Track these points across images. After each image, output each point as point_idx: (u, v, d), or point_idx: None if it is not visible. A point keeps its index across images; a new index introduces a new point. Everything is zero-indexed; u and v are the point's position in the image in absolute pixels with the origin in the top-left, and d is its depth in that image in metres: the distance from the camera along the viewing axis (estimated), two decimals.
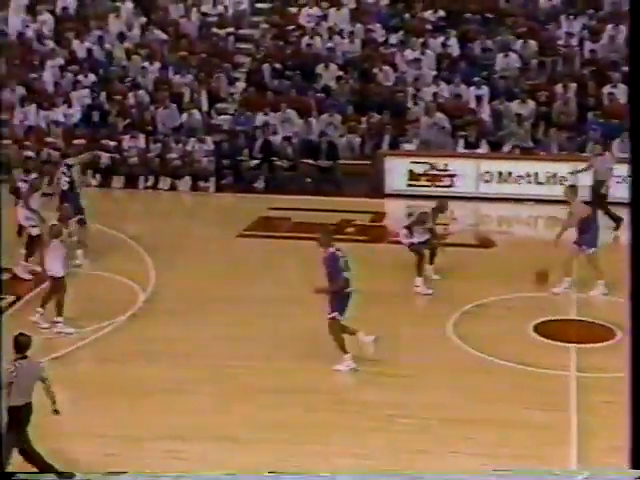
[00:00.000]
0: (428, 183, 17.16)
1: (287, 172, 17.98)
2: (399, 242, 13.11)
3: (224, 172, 17.99)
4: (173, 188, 17.76)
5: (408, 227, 12.89)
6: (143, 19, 20.63)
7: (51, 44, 20.07)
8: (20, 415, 8.39)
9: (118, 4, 20.77)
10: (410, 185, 17.24)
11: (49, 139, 18.05)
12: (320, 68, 19.35)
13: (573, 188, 12.89)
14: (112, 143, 18.18)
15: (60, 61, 19.66)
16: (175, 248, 14.42)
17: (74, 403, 9.59)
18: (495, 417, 9.54)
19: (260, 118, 18.50)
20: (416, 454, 8.89)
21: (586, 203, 13.17)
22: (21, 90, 18.95)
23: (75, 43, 20.08)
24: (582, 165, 15.67)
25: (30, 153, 17.18)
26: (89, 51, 19.92)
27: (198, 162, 17.87)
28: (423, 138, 17.80)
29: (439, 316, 11.95)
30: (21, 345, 8.40)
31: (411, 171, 17.34)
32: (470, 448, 8.96)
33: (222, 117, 19.02)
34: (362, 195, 17.04)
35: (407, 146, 17.86)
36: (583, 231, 12.42)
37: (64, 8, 20.85)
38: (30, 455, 8.42)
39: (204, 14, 20.86)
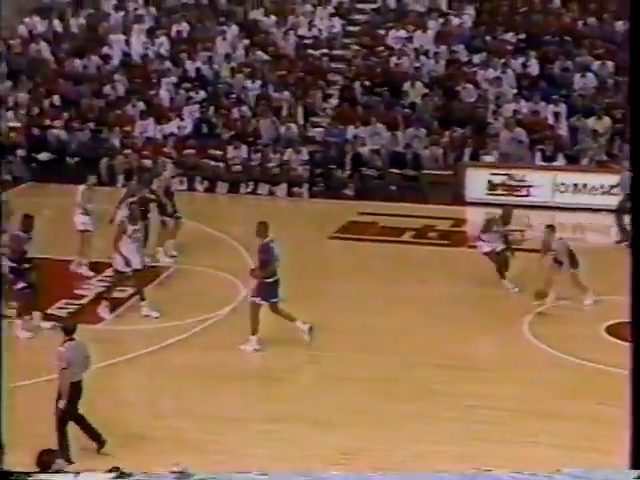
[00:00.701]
0: (505, 192, 16.82)
1: (375, 180, 17.89)
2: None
3: (317, 179, 18.01)
4: (271, 193, 17.86)
5: (479, 236, 12.69)
6: (247, 41, 20.82)
7: (167, 64, 20.42)
8: (75, 390, 8.60)
9: (224, 28, 21.00)
10: (489, 194, 16.94)
11: (164, 149, 18.32)
12: (407, 86, 19.19)
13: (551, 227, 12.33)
14: (218, 152, 18.38)
15: (174, 79, 19.98)
16: None
17: (183, 386, 9.74)
18: (570, 411, 9.27)
19: (351, 131, 18.47)
20: (495, 443, 8.68)
21: None
22: (141, 105, 19.32)
23: (187, 63, 20.39)
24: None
25: (148, 162, 17.48)
26: (199, 70, 20.20)
27: (294, 170, 17.93)
28: (502, 151, 17.48)
29: (516, 316, 11.69)
30: (68, 329, 8.76)
31: (490, 181, 17.05)
32: (548, 439, 8.71)
33: (316, 130, 19.04)
34: (444, 202, 16.82)
35: (487, 158, 17.57)
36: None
37: (178, 32, 21.20)
38: (84, 424, 8.65)
39: (301, 37, 20.95)
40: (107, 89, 19.76)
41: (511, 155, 17.41)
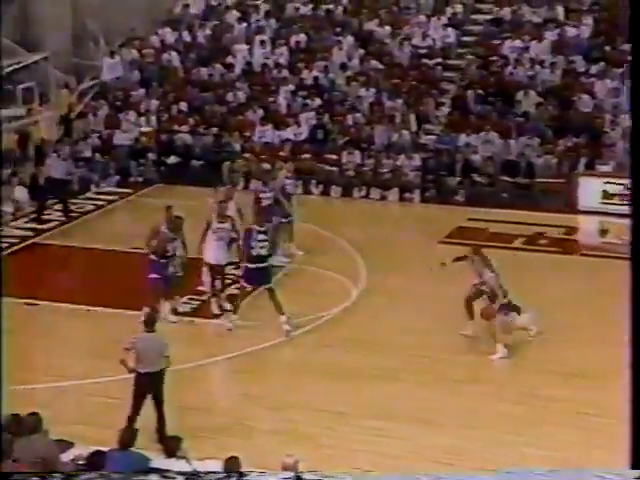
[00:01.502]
0: (622, 202, 16.14)
1: (486, 187, 17.53)
2: (590, 255, 12.43)
3: (428, 185, 17.79)
4: (383, 198, 17.75)
5: None
6: (362, 51, 20.80)
7: (285, 72, 20.65)
8: (141, 380, 8.57)
9: (340, 38, 21.06)
10: (603, 203, 16.30)
11: (281, 153, 18.51)
12: (520, 95, 18.72)
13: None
14: (333, 157, 18.43)
15: (292, 87, 20.18)
16: (383, 251, 14.40)
17: (296, 381, 9.77)
18: None
19: (462, 139, 18.16)
20: (602, 450, 8.30)
21: None
22: (260, 111, 19.59)
23: (305, 72, 20.55)
24: None
25: (267, 166, 17.68)
26: (316, 78, 20.32)
27: (405, 176, 17.78)
28: (619, 161, 16.80)
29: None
30: (147, 320, 8.81)
31: (605, 191, 16.41)
32: None
33: (428, 137, 18.82)
34: (556, 210, 16.29)
35: (603, 168, 16.93)
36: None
37: (297, 42, 21.40)
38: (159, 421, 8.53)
39: (415, 46, 20.76)
40: (230, 96, 20.14)
41: (628, 166, 16.72)
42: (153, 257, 11.44)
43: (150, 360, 8.55)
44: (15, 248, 14.50)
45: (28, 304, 12.08)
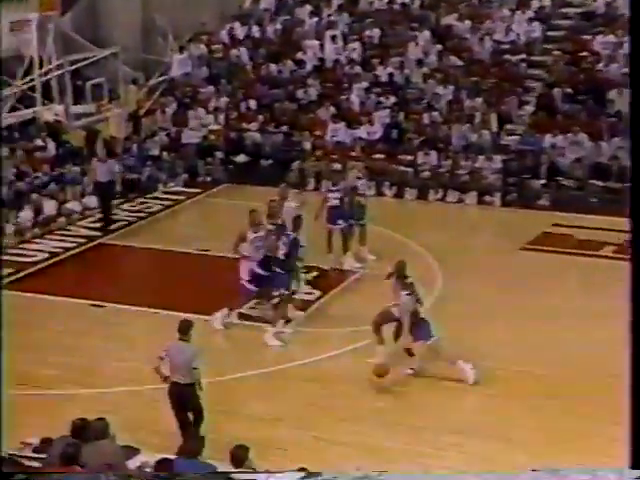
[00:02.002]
0: None
1: (573, 191, 17.21)
2: None
3: (509, 188, 17.57)
4: (460, 201, 17.63)
5: None
6: (439, 46, 20.70)
7: (358, 69, 20.70)
8: (172, 390, 8.48)
9: (416, 33, 20.99)
10: None
11: (353, 153, 18.55)
12: (613, 94, 18.31)
13: None
14: (408, 158, 18.39)
15: (365, 84, 20.22)
16: (460, 257, 14.29)
17: (365, 392, 9.76)
18: None
19: (548, 140, 17.88)
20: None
21: None
22: (332, 109, 19.65)
23: (379, 68, 20.56)
24: None
25: (338, 166, 17.76)
26: (390, 75, 20.31)
27: (485, 178, 17.60)
28: None
29: None
30: (181, 327, 8.61)
31: None
32: None
33: (511, 137, 18.59)
34: None
35: None
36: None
37: (370, 37, 21.43)
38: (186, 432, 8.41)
39: (497, 42, 20.54)
40: (300, 93, 20.31)
41: None
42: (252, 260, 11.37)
43: (179, 370, 8.46)
44: (82, 248, 14.91)
45: (94, 305, 12.41)
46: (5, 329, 8.78)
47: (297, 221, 12.12)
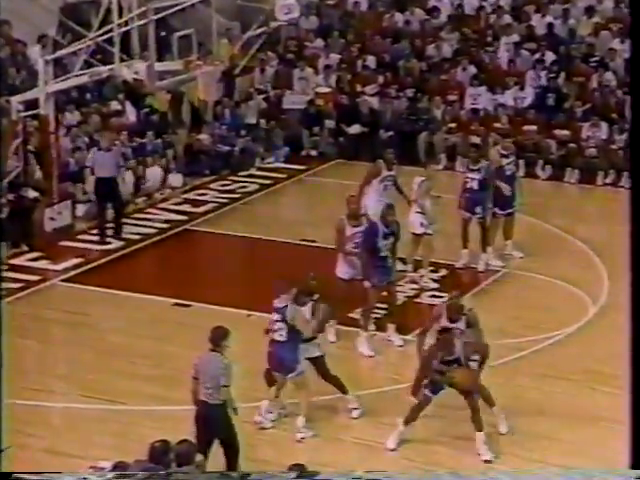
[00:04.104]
0: None
1: None
2: None
3: None
4: None
5: None
6: None
7: (508, 18, 20.64)
8: (198, 410, 8.60)
9: None
10: None
11: (498, 124, 18.50)
12: None
13: None
14: (567, 132, 18.26)
15: (516, 37, 20.16)
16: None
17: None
18: None
19: None
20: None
21: None
22: (472, 69, 19.64)
23: (535, 17, 20.44)
24: None
25: (478, 140, 17.79)
26: (550, 26, 20.17)
27: None
28: None
29: None
30: (213, 335, 8.71)
31: None
32: None
33: None
34: None
35: None
36: None
37: None
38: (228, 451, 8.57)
39: None
40: (431, 49, 20.42)
41: None
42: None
43: (207, 386, 8.58)
44: (164, 235, 15.46)
45: (178, 304, 12.91)
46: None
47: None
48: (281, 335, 9.78)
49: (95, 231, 15.27)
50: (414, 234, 13.37)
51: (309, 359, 10.08)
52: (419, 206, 13.37)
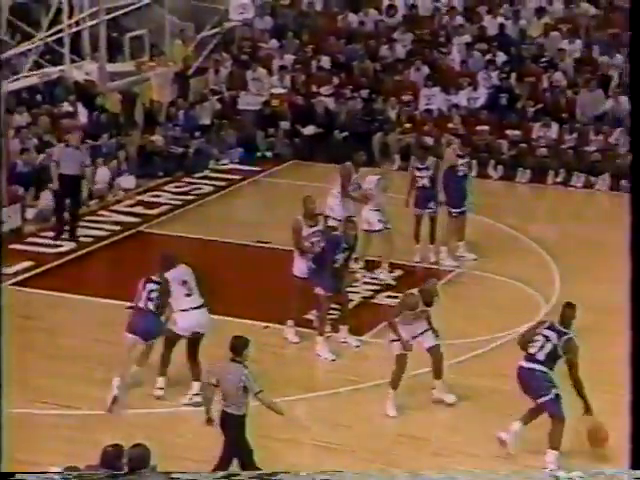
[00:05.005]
0: None
1: None
2: None
3: None
4: (588, 186, 17.52)
5: None
6: None
7: (460, 19, 20.75)
8: (225, 423, 8.65)
9: None
10: None
11: (451, 125, 18.58)
12: None
13: None
14: (519, 132, 18.38)
15: (468, 38, 20.28)
16: (585, 254, 14.27)
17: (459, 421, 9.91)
18: None
19: None
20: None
21: None
22: (425, 69, 19.73)
23: (487, 18, 20.58)
24: None
25: (430, 140, 17.85)
26: (501, 27, 20.31)
27: (622, 157, 17.45)
28: None
29: None
30: (232, 345, 8.70)
31: None
32: None
33: None
34: None
35: None
36: None
37: None
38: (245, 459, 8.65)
39: None
40: (385, 50, 20.47)
41: None
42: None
43: (229, 396, 8.62)
44: (116, 238, 15.35)
45: (132, 307, 12.77)
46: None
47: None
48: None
49: (49, 233, 15.12)
50: (368, 231, 13.42)
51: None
52: (375, 204, 13.41)
